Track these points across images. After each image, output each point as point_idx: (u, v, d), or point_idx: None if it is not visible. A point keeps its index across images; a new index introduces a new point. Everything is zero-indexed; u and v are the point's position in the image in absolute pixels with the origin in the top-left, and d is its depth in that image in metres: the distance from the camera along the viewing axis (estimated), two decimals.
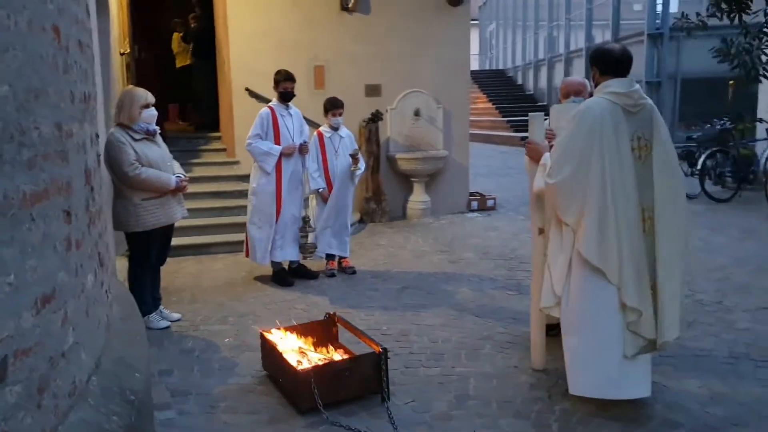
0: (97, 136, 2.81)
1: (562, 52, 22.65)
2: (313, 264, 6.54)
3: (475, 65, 35.90)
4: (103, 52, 7.08)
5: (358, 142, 9.29)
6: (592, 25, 20.94)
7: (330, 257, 6.53)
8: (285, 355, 3.76)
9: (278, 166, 5.99)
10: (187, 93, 11.38)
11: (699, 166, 10.19)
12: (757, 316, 5.03)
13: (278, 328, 4.17)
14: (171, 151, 9.26)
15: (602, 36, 20.52)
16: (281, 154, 5.97)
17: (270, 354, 3.95)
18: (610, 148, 3.46)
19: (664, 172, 3.57)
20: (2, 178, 1.66)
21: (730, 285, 5.81)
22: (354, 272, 6.51)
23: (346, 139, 6.47)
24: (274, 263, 6.18)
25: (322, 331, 4.23)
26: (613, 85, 3.56)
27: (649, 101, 3.64)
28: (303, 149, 6.11)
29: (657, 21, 17.04)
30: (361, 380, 3.68)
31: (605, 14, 19.68)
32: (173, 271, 6.66)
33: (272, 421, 3.52)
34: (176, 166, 4.99)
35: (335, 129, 6.42)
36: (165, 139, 9.37)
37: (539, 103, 24.81)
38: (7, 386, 1.64)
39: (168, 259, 7.00)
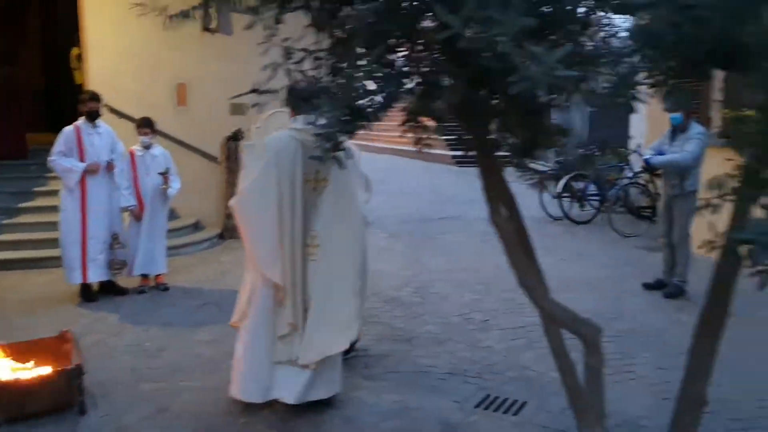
0: None
1: None
2: (131, 280, 6.67)
3: None
4: None
5: (219, 159, 9.52)
6: None
7: (144, 275, 6.67)
8: None
9: (83, 183, 6.14)
10: None
11: (559, 190, 10.58)
12: (508, 335, 5.30)
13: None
14: (33, 163, 9.47)
15: None
16: (86, 171, 6.12)
17: None
18: (284, 181, 3.74)
19: (336, 202, 3.84)
20: None
21: (510, 305, 6.07)
22: (166, 289, 6.66)
23: (159, 158, 6.63)
24: None
25: (52, 348, 4.36)
26: (298, 121, 3.82)
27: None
28: (109, 167, 6.26)
29: None
30: (57, 394, 3.84)
31: None
32: None
33: None
34: None
35: (147, 148, 6.59)
36: (26, 151, 9.53)
37: None
38: None
39: None
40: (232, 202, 3.88)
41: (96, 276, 6.27)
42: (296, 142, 3.78)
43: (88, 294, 6.29)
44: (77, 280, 6.19)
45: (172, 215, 9.26)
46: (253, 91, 2.26)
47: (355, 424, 3.83)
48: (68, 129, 6.22)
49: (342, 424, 3.82)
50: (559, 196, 10.71)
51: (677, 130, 6.44)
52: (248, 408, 3.93)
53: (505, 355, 4.88)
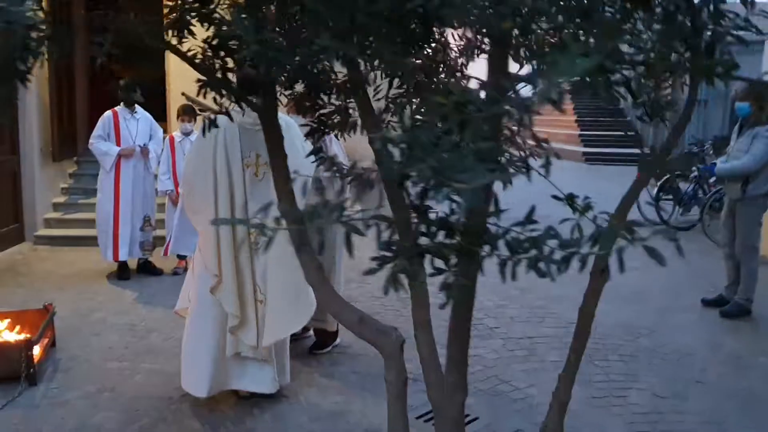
0: None
1: None
2: (169, 262, 6.86)
3: None
4: None
5: None
6: None
7: (181, 256, 6.83)
8: None
9: (118, 166, 6.40)
10: None
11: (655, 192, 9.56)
12: (510, 345, 4.88)
13: None
14: None
15: None
16: (121, 155, 6.38)
17: None
18: (221, 163, 3.63)
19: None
20: None
21: (535, 314, 5.58)
22: None
23: None
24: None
25: (34, 319, 4.53)
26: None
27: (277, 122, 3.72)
28: (144, 152, 6.48)
29: None
30: (10, 364, 3.97)
31: None
32: (46, 258, 7.23)
33: None
34: None
35: (187, 134, 6.73)
36: None
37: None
38: None
39: (55, 247, 7.69)
40: (180, 189, 3.84)
41: (127, 255, 6.52)
42: (234, 125, 3.65)
43: (122, 272, 6.56)
44: (110, 257, 6.48)
45: None
46: None
47: (283, 422, 3.66)
48: (106, 114, 6.49)
49: (269, 420, 3.67)
50: (657, 200, 9.66)
51: (745, 123, 5.62)
52: (186, 396, 3.86)
53: (490, 366, 4.48)
